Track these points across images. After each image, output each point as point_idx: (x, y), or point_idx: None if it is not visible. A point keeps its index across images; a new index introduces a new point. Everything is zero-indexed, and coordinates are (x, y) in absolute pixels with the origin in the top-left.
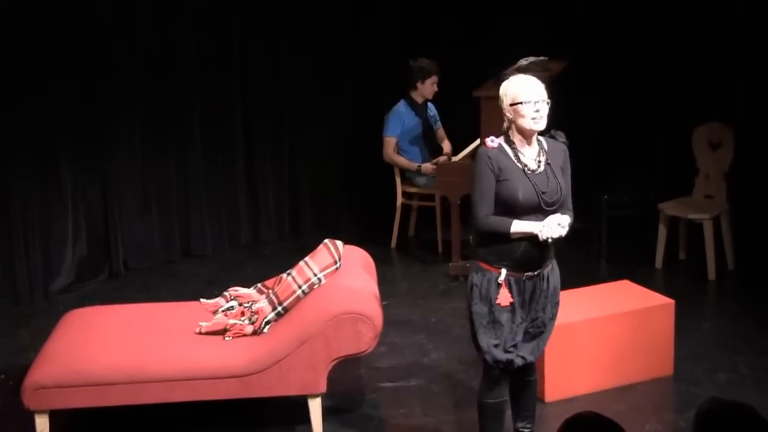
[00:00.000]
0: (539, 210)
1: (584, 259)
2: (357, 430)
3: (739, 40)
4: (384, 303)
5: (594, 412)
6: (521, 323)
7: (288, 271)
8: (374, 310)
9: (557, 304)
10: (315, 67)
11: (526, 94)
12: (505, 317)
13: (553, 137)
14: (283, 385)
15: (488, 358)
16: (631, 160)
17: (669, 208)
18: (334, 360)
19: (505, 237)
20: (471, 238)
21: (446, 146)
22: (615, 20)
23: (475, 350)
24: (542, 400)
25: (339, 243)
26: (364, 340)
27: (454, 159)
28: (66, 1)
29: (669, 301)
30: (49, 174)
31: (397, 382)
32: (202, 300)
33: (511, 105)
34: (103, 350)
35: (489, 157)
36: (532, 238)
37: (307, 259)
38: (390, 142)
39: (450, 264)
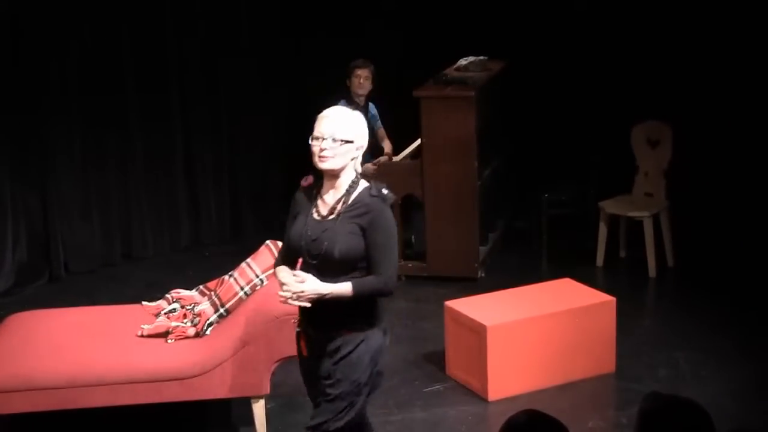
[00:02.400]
0: (305, 260)
1: (525, 258)
2: None
3: (677, 39)
4: None
5: (536, 410)
6: (317, 381)
7: (230, 273)
8: None
9: (354, 383)
10: (254, 67)
11: (315, 130)
12: (303, 369)
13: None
14: (226, 387)
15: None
16: (570, 158)
17: (609, 206)
18: (277, 361)
19: None
20: None
21: (387, 146)
22: (554, 20)
23: None
24: (485, 399)
25: (281, 244)
26: None
27: (395, 159)
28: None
29: (610, 299)
30: None
31: None
32: (143, 303)
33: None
34: (44, 354)
35: (294, 199)
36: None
37: (248, 260)
38: None
39: None
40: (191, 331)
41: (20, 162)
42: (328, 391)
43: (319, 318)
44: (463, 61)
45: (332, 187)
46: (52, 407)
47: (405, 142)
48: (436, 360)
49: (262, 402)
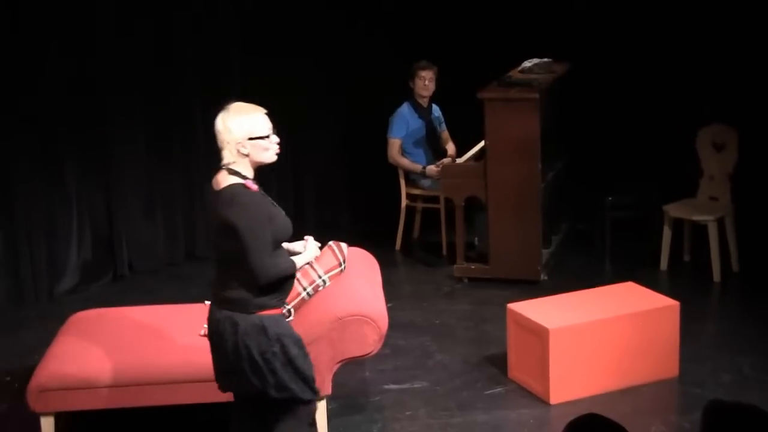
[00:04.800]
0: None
1: (588, 261)
2: None
3: (744, 41)
4: (388, 305)
5: (598, 414)
6: None
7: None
8: (379, 312)
9: None
10: (317, 67)
11: (266, 127)
12: None
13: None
14: None
15: (315, 395)
16: (635, 161)
17: (673, 210)
18: (339, 362)
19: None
20: (238, 291)
21: (450, 148)
22: (619, 21)
23: (307, 394)
24: (547, 403)
25: (344, 245)
26: (368, 342)
27: (459, 161)
28: (69, 4)
29: (674, 303)
30: (54, 175)
31: (401, 385)
32: (206, 302)
33: (250, 139)
34: (107, 352)
35: (262, 199)
36: None
37: (311, 261)
38: (394, 143)
39: (454, 266)
40: None
41: (86, 162)
42: None
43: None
44: (527, 63)
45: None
46: (115, 405)
47: (468, 144)
48: (498, 362)
49: (323, 402)
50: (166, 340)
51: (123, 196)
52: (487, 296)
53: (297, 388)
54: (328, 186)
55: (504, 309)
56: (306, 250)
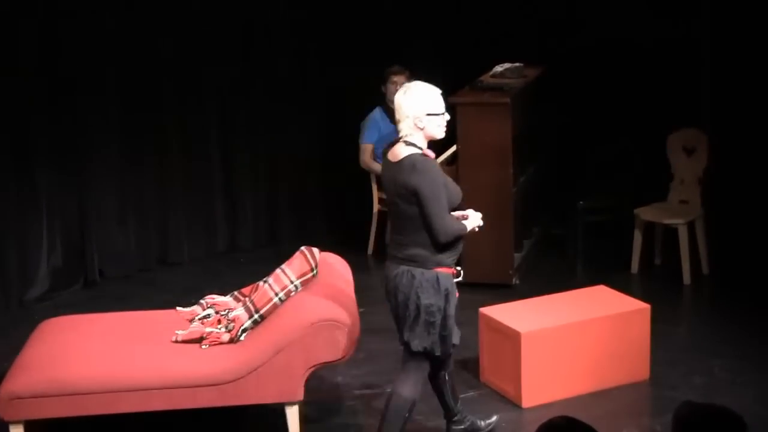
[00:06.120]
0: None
1: (560, 265)
2: None
3: (712, 46)
4: (361, 310)
5: (569, 417)
6: None
7: (265, 279)
8: (351, 317)
9: None
10: (291, 72)
11: (442, 106)
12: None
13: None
14: (260, 393)
15: (451, 351)
16: (606, 165)
17: (644, 214)
18: (312, 367)
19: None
20: (418, 249)
21: None
22: (588, 26)
23: (439, 350)
24: (519, 406)
25: (315, 250)
26: (340, 347)
27: None
28: (42, 6)
29: (645, 306)
30: (24, 181)
31: (375, 389)
32: (178, 308)
33: (428, 115)
34: (78, 359)
35: (438, 165)
36: None
37: (283, 266)
38: (367, 148)
39: None
40: (225, 337)
41: (57, 167)
42: None
43: None
44: (498, 68)
45: None
46: (86, 412)
47: (440, 148)
48: (471, 367)
49: (296, 408)
50: (137, 347)
51: (94, 201)
52: (460, 300)
53: (437, 346)
54: (301, 191)
55: (476, 313)
56: (470, 218)
